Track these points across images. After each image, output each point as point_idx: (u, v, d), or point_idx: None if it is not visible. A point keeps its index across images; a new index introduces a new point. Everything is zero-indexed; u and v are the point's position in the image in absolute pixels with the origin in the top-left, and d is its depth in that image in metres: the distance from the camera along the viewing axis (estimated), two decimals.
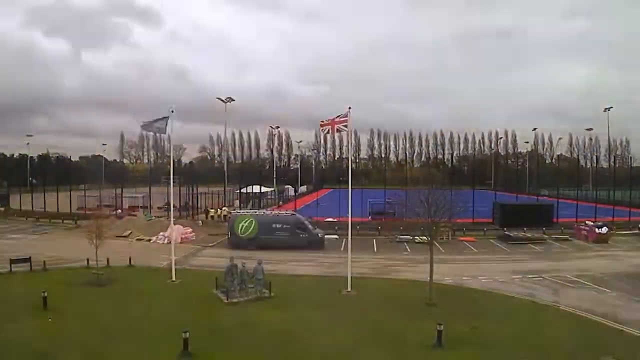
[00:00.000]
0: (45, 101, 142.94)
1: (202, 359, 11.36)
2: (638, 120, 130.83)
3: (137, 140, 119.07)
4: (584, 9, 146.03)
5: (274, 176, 72.92)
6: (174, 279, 18.98)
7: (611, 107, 68.88)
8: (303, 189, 74.88)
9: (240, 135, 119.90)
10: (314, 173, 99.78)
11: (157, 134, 23.70)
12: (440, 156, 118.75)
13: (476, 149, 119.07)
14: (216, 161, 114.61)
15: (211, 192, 46.61)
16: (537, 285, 18.85)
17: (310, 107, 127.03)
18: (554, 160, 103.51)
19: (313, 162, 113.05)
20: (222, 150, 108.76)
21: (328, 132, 18.40)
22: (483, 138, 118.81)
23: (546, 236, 30.66)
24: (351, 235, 19.36)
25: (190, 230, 31.19)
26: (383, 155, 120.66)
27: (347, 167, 23.08)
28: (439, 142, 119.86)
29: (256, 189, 48.57)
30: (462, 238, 30.34)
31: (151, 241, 29.24)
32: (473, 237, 30.80)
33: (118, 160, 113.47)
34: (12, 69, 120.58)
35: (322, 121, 18.26)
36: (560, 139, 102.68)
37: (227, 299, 16.09)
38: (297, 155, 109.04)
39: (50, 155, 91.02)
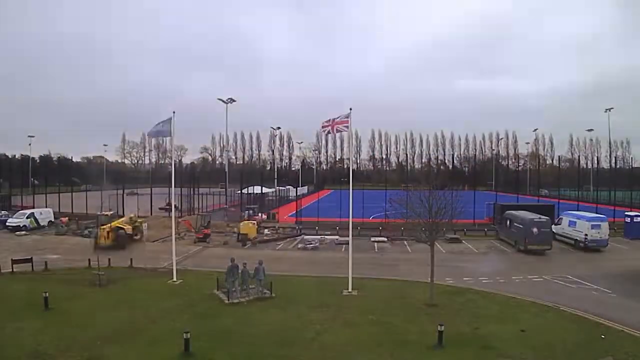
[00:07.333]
0: None
1: (203, 359, 11.37)
2: None
3: (138, 141, 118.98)
4: None
5: (275, 177, 72.91)
6: (174, 279, 19.04)
7: (611, 108, 68.36)
8: (304, 190, 74.83)
9: (242, 135, 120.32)
10: (315, 174, 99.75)
11: (162, 137, 23.67)
12: (441, 157, 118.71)
13: (477, 150, 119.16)
14: (217, 162, 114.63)
15: (212, 192, 46.63)
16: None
17: None
18: (554, 161, 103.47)
19: (314, 163, 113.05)
20: (223, 151, 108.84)
21: (329, 133, 18.66)
22: (484, 139, 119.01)
23: None
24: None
25: None
26: (384, 157, 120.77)
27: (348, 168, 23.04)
28: (439, 143, 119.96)
29: (257, 189, 48.64)
30: None
31: None
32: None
33: (119, 161, 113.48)
34: None
35: (323, 122, 18.43)
36: None
37: (228, 300, 16.12)
38: (298, 156, 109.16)
39: (52, 156, 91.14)
